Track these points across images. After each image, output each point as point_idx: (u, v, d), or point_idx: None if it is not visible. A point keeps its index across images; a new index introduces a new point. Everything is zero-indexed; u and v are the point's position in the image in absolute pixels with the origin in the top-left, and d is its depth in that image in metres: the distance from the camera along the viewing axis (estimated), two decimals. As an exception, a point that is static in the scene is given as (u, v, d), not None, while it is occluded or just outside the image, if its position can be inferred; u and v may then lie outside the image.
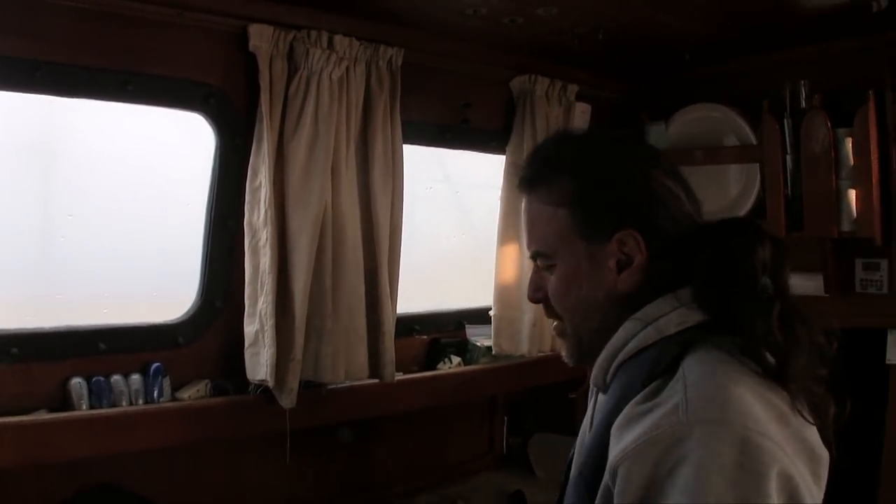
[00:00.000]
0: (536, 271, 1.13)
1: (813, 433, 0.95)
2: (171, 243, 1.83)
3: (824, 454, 0.96)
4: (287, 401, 1.77)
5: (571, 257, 1.06)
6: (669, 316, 0.98)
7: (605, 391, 1.05)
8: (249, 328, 1.75)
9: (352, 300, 1.87)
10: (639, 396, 0.92)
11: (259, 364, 1.73)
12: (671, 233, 1.04)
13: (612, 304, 1.04)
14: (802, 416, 0.92)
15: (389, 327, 1.94)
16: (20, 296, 1.68)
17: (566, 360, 1.14)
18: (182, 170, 1.82)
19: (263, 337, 1.72)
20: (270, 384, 1.73)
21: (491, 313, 2.28)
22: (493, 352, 2.29)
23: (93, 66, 1.59)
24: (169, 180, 1.81)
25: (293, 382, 1.77)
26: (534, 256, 1.11)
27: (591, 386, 1.20)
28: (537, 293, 1.12)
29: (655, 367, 0.94)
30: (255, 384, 1.78)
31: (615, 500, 0.86)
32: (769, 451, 0.84)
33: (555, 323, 1.14)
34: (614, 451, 0.89)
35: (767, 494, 0.81)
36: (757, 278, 0.99)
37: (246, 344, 1.75)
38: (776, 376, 0.93)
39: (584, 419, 1.18)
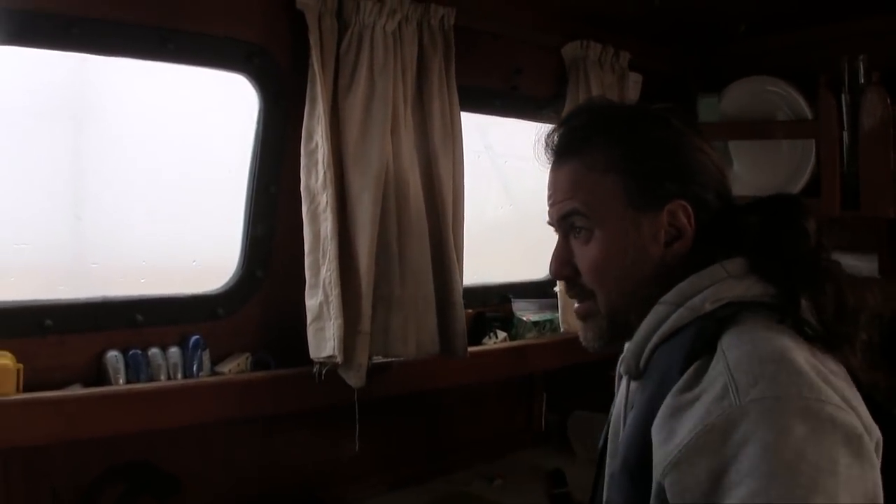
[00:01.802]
0: (563, 243, 1.06)
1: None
2: (211, 211, 1.74)
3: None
4: (355, 379, 1.64)
5: (616, 226, 1.00)
6: (704, 293, 0.92)
7: (637, 378, 0.99)
8: (312, 301, 1.62)
9: (420, 265, 1.73)
10: (680, 383, 0.86)
11: (325, 339, 1.60)
12: (714, 207, 1.00)
13: (655, 280, 0.99)
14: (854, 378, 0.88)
15: (458, 297, 1.80)
16: (53, 265, 1.59)
17: (588, 345, 1.08)
18: (224, 133, 1.72)
19: (328, 308, 1.59)
20: (339, 360, 1.59)
21: (556, 289, 2.20)
22: (562, 329, 2.21)
23: (131, 23, 1.49)
24: (210, 145, 1.70)
25: (362, 357, 1.63)
26: (565, 217, 1.04)
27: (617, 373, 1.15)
28: (565, 268, 1.06)
29: (693, 350, 0.88)
30: (320, 363, 1.64)
31: (676, 500, 0.80)
32: (831, 417, 0.78)
33: (577, 304, 1.08)
34: (667, 446, 0.83)
35: (835, 461, 0.76)
36: (815, 245, 0.95)
37: (308, 319, 1.62)
38: (826, 340, 0.89)
39: (615, 405, 1.11)
